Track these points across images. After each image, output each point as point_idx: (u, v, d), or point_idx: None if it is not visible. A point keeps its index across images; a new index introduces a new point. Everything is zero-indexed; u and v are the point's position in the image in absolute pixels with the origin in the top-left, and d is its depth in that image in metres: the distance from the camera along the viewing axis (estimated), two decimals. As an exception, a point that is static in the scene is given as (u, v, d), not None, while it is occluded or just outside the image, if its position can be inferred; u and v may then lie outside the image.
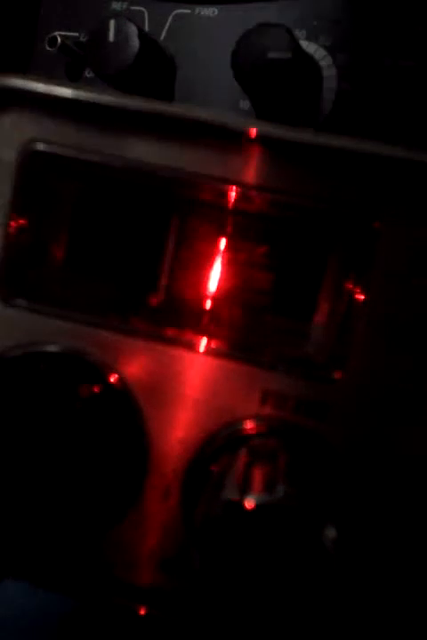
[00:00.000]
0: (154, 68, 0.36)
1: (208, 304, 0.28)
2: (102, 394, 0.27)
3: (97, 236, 0.28)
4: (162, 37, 0.38)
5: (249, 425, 0.27)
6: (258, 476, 0.24)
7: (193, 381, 0.27)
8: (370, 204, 0.25)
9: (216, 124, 0.25)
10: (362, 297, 0.25)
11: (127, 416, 0.27)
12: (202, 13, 0.38)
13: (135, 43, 0.35)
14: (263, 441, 0.26)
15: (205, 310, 0.28)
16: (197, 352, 0.27)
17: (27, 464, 0.26)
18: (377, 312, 0.25)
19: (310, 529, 0.22)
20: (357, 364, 0.26)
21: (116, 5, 0.39)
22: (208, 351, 0.27)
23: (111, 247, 0.28)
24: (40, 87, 0.26)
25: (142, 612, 0.29)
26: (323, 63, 0.35)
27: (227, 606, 0.26)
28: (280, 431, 0.26)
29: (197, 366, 0.27)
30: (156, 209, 0.28)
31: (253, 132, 0.25)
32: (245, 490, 0.23)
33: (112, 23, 0.35)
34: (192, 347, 0.27)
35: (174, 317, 0.28)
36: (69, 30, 0.40)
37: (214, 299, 0.28)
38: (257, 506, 0.22)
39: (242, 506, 0.22)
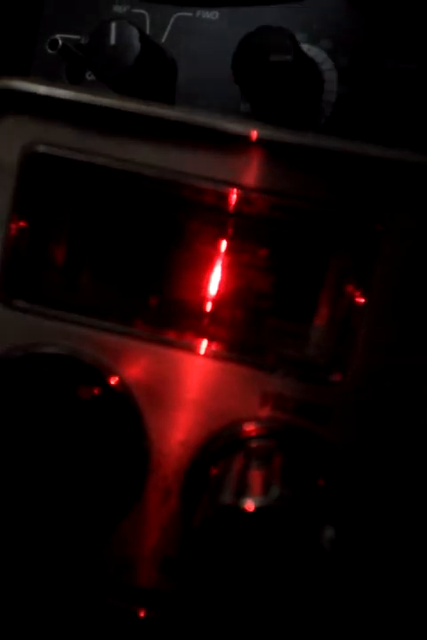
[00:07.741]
0: (155, 71, 0.37)
1: (209, 306, 0.28)
2: (103, 396, 0.27)
3: (98, 239, 0.28)
4: (163, 40, 0.38)
5: (249, 427, 0.27)
6: (256, 478, 0.24)
7: (194, 384, 0.27)
8: (371, 207, 0.25)
9: (217, 127, 0.25)
10: (363, 299, 0.25)
11: (127, 418, 0.27)
12: (203, 16, 0.38)
13: (136, 45, 0.35)
14: (262, 443, 0.26)
15: (205, 313, 0.28)
16: (198, 354, 0.27)
17: (27, 466, 0.26)
18: (378, 315, 0.25)
19: (307, 530, 0.22)
20: (357, 367, 0.26)
21: (117, 8, 0.39)
22: (209, 353, 0.27)
23: (112, 249, 0.28)
24: (42, 89, 0.26)
25: (142, 613, 0.29)
26: (324, 66, 0.35)
27: (225, 607, 0.26)
28: (280, 433, 0.26)
29: (198, 368, 0.27)
30: (156, 211, 0.28)
31: (254, 134, 0.25)
32: (241, 493, 0.23)
33: (113, 26, 0.35)
34: (193, 349, 0.27)
35: (175, 320, 0.28)
36: (70, 33, 0.40)
37: (215, 301, 0.28)
38: (252, 508, 0.22)
39: (237, 509, 0.22)
